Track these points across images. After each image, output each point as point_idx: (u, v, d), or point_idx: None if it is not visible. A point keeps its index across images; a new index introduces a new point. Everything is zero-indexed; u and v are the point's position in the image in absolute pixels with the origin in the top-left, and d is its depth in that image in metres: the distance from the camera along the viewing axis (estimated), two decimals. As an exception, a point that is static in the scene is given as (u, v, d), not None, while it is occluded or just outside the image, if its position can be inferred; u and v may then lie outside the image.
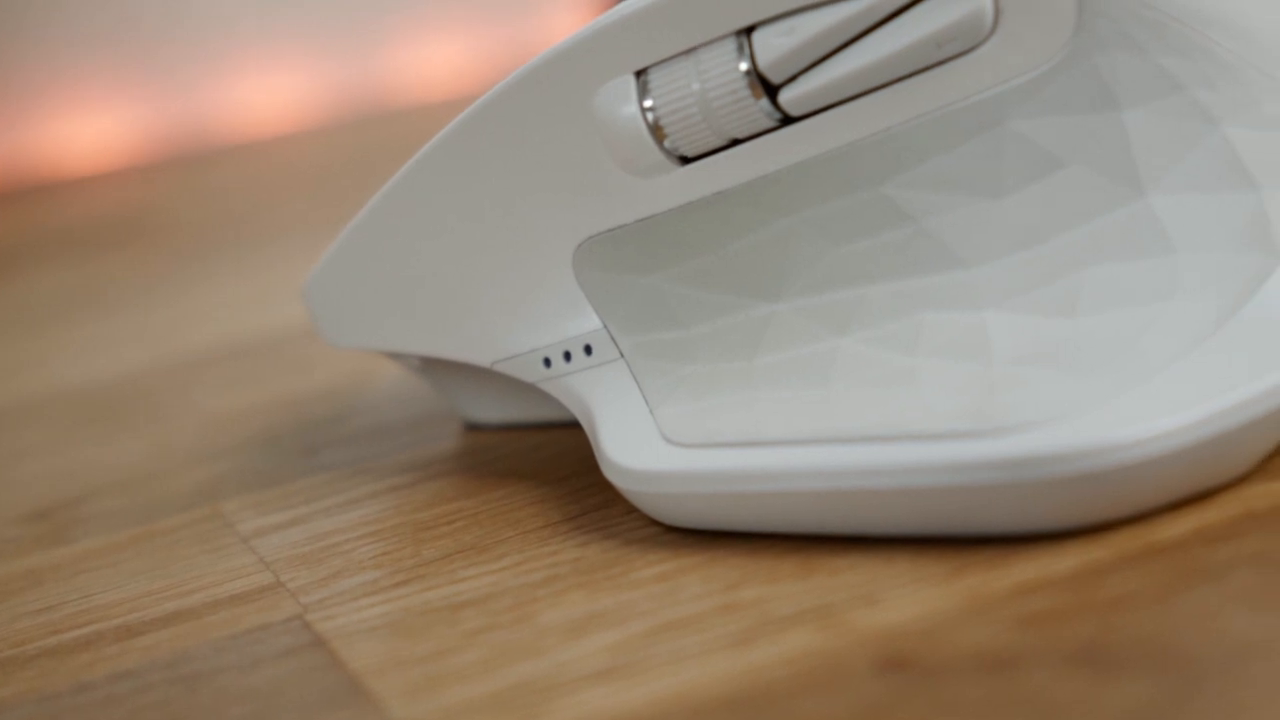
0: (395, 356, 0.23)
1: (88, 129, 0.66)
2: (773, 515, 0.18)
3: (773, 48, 0.18)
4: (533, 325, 0.20)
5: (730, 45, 0.18)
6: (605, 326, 0.20)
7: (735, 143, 0.19)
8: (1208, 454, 0.16)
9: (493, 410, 0.23)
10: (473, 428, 0.23)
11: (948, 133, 0.18)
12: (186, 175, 0.58)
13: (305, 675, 0.17)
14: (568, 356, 0.20)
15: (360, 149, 0.57)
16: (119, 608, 0.19)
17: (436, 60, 0.73)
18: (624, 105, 0.19)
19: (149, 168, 0.61)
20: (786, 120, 0.18)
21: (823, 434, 0.18)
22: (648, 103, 0.19)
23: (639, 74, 0.19)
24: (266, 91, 0.69)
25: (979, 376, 0.17)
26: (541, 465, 0.21)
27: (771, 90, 0.18)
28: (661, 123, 0.19)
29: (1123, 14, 0.17)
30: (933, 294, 0.18)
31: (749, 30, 0.18)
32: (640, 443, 0.19)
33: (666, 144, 0.19)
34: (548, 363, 0.20)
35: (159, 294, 0.38)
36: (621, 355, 0.20)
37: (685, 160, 0.19)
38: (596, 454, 0.19)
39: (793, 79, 0.18)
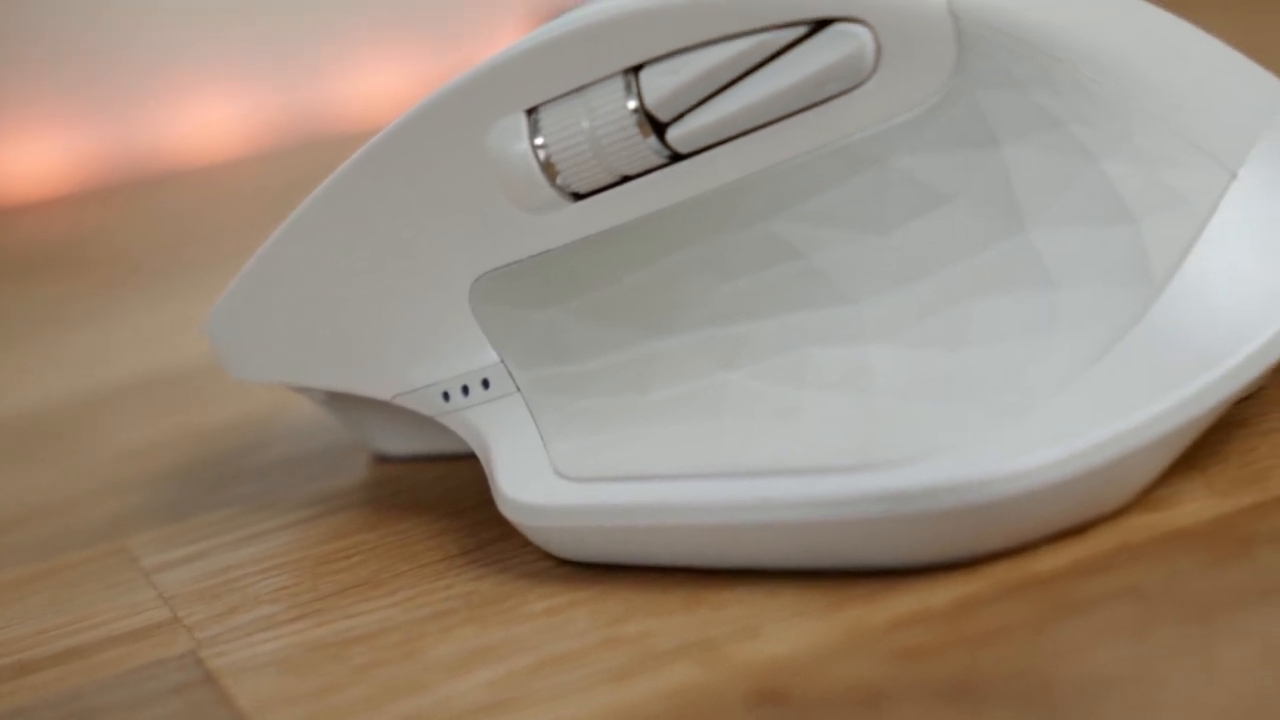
0: (299, 390, 0.23)
1: (24, 156, 0.66)
2: (663, 549, 0.18)
3: (659, 86, 0.18)
4: (431, 359, 0.20)
5: (618, 84, 0.18)
6: (502, 361, 0.20)
7: (626, 179, 0.19)
8: (1087, 486, 0.17)
9: (400, 442, 0.23)
10: (381, 459, 0.24)
11: (833, 169, 0.18)
12: (124, 202, 0.58)
13: (193, 713, 0.17)
14: (466, 390, 0.20)
15: (300, 176, 0.57)
16: (15, 644, 0.19)
17: (378, 88, 0.73)
18: (515, 143, 0.19)
19: (86, 195, 0.61)
20: (675, 157, 0.19)
21: (711, 468, 0.18)
22: (539, 140, 0.19)
23: (530, 112, 0.19)
24: (207, 118, 0.69)
25: (862, 410, 0.18)
26: (444, 497, 0.21)
27: (660, 128, 0.18)
28: (553, 160, 0.19)
29: (1000, 52, 0.18)
30: (819, 328, 0.18)
31: (637, 69, 0.18)
32: (533, 477, 0.19)
33: (558, 181, 0.19)
34: (446, 396, 0.20)
35: (81, 322, 0.38)
36: (518, 389, 0.20)
37: (577, 197, 0.19)
38: (491, 488, 0.19)
39: (680, 117, 0.18)
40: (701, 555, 0.18)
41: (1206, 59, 0.19)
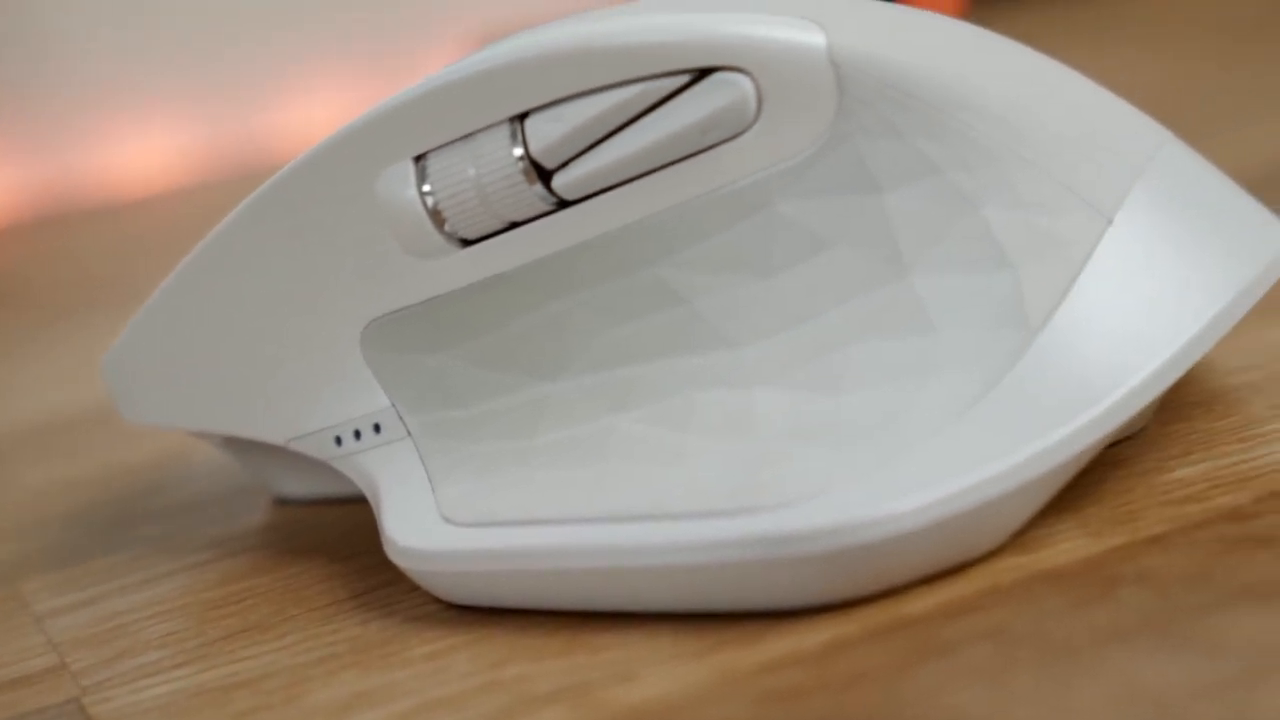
0: (195, 434, 0.23)
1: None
2: (546, 593, 0.18)
3: (544, 134, 0.18)
4: (324, 403, 0.20)
5: (504, 131, 0.19)
6: (394, 405, 0.20)
7: (514, 226, 0.19)
8: (959, 528, 0.17)
9: (300, 485, 0.23)
10: (282, 502, 0.24)
11: (718, 216, 0.18)
12: (50, 239, 0.57)
13: (71, 760, 0.17)
14: (358, 435, 0.20)
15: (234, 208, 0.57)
16: (-100, 692, 0.19)
17: (315, 121, 0.73)
18: (404, 190, 0.19)
19: (11, 230, 0.61)
20: (562, 204, 0.19)
21: (594, 513, 0.18)
22: (426, 187, 0.19)
23: (419, 159, 0.19)
24: (140, 152, 0.69)
25: (744, 454, 0.18)
26: (339, 540, 0.21)
27: (545, 175, 0.19)
28: (440, 207, 0.19)
29: (881, 101, 0.18)
30: (704, 372, 0.19)
31: (522, 117, 0.19)
32: (419, 521, 0.19)
33: (447, 228, 0.19)
34: (339, 441, 0.20)
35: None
36: (409, 434, 0.20)
37: (466, 243, 0.19)
38: (380, 532, 0.19)
39: (565, 164, 0.19)
40: (584, 599, 0.18)
41: (1086, 105, 0.19)
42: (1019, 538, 0.18)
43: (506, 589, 0.18)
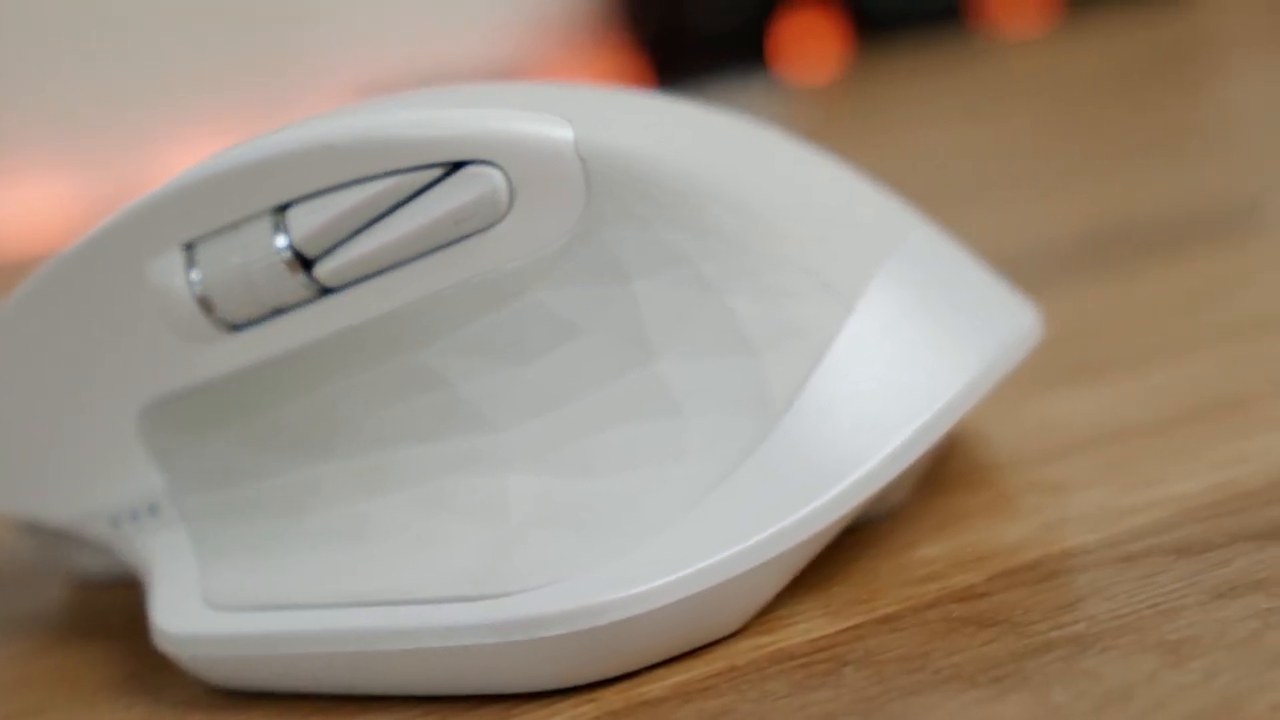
0: (-15, 515, 0.23)
1: None
2: (307, 677, 0.18)
3: (305, 224, 0.19)
4: (102, 485, 0.21)
5: (267, 221, 0.19)
6: (170, 487, 0.20)
7: (280, 312, 0.19)
8: (698, 610, 0.17)
9: (95, 564, 0.23)
10: (78, 582, 0.24)
11: (475, 303, 0.19)
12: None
13: None
14: (134, 516, 0.20)
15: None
16: None
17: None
18: (173, 277, 0.19)
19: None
20: (325, 291, 0.19)
21: (351, 597, 0.18)
22: (194, 275, 0.19)
23: (187, 247, 0.19)
24: (17, 214, 0.69)
25: (495, 539, 0.18)
26: (123, 621, 0.22)
27: (308, 264, 0.19)
28: (209, 294, 0.19)
29: (628, 193, 0.18)
30: (464, 456, 0.19)
31: (285, 207, 0.19)
32: (183, 606, 0.19)
33: (215, 314, 0.19)
34: (116, 522, 0.21)
35: None
36: (183, 517, 0.20)
37: (235, 328, 0.20)
38: (148, 616, 0.20)
39: (327, 253, 0.19)
40: (344, 683, 0.18)
41: (835, 193, 0.20)
42: (763, 618, 0.18)
43: (268, 673, 0.19)
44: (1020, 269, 0.31)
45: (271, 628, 0.18)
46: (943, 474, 0.21)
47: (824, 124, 0.63)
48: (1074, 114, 0.52)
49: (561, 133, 0.18)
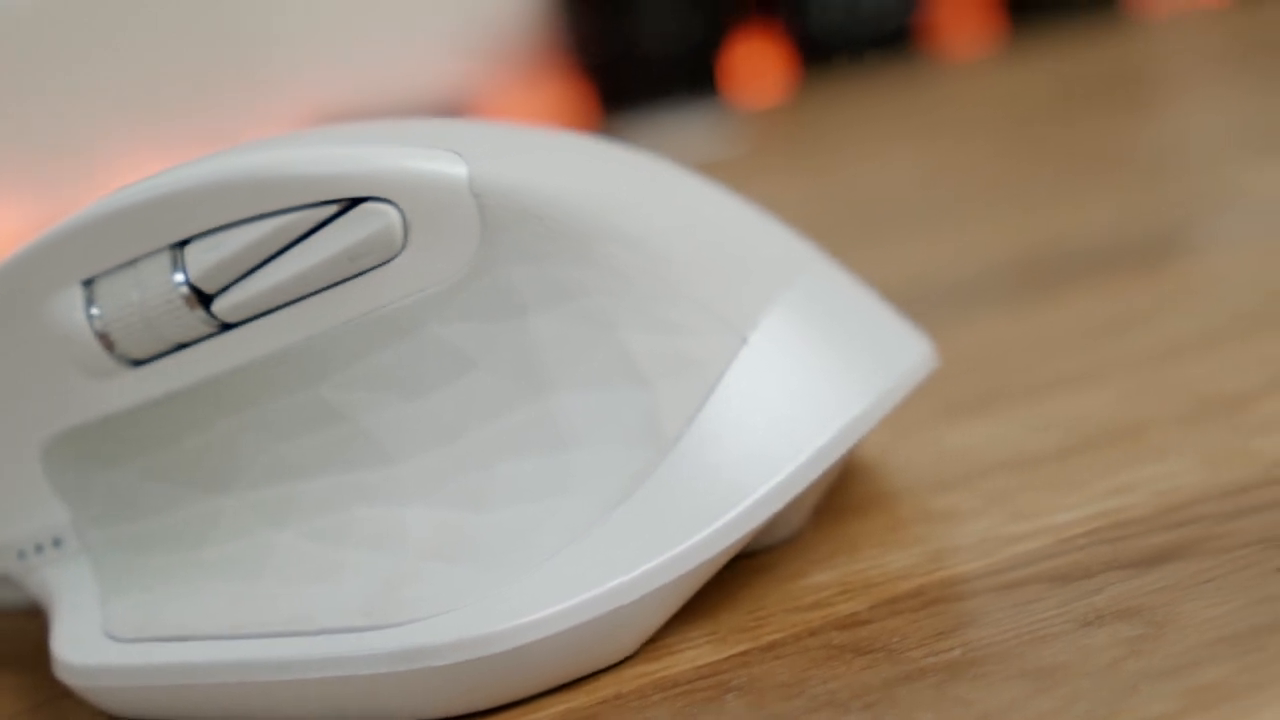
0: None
1: None
2: (206, 708, 0.19)
3: (201, 261, 0.19)
4: (6, 520, 0.21)
5: (165, 258, 0.19)
6: (74, 520, 0.20)
7: (181, 347, 0.20)
8: (585, 639, 0.18)
9: (13, 595, 0.24)
10: (-5, 611, 0.24)
11: (373, 337, 0.19)
12: None
13: None
14: (39, 549, 0.21)
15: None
16: None
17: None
18: (72, 314, 0.20)
19: None
20: (224, 327, 0.19)
21: (248, 628, 0.19)
22: (94, 311, 0.20)
23: (87, 283, 0.20)
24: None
25: (391, 570, 0.18)
26: (29, 651, 0.22)
27: (206, 300, 0.19)
28: (109, 330, 0.20)
29: (523, 229, 0.19)
30: (362, 489, 0.19)
31: (183, 244, 0.19)
32: (83, 637, 0.19)
33: (116, 350, 0.20)
34: (21, 555, 0.21)
35: None
36: (87, 549, 0.20)
37: (137, 363, 0.20)
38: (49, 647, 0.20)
39: (225, 289, 0.19)
40: (242, 714, 0.19)
41: (731, 226, 0.21)
42: (653, 645, 0.18)
43: (168, 704, 0.19)
44: (944, 296, 0.32)
45: (170, 659, 0.19)
46: (839, 502, 0.22)
47: (770, 148, 0.63)
48: (1015, 137, 0.53)
49: (456, 170, 0.19)
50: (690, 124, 0.68)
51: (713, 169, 0.63)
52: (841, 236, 0.42)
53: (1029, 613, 0.18)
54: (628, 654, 0.18)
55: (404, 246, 0.19)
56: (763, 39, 0.75)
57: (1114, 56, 0.68)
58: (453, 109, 0.70)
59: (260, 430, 0.20)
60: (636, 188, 0.20)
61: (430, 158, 0.19)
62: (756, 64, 0.75)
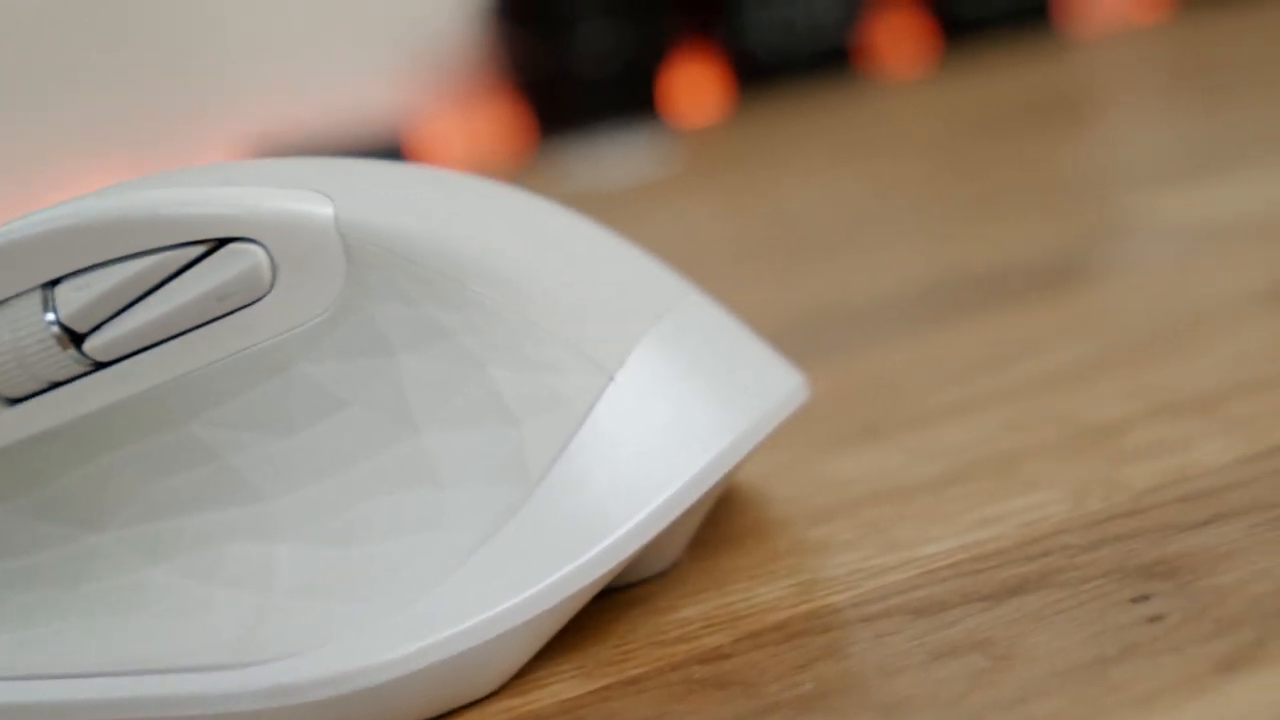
0: None
1: None
2: (74, 744, 0.19)
3: (72, 301, 0.19)
4: (-116, 557, 0.21)
5: (36, 298, 0.19)
6: (-48, 557, 0.21)
7: (55, 386, 0.20)
8: (451, 674, 0.18)
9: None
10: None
11: (243, 376, 0.19)
12: None
13: None
14: (-82, 586, 0.21)
15: None
16: None
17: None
18: (-54, 352, 0.20)
19: None
20: (98, 365, 0.20)
21: (119, 665, 0.19)
22: (-32, 350, 0.20)
23: (-38, 323, 0.20)
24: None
25: (258, 607, 0.19)
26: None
27: (78, 339, 0.19)
28: (-18, 368, 0.20)
29: (389, 268, 0.19)
30: (234, 526, 0.19)
31: (54, 283, 0.19)
32: (-48, 675, 0.19)
33: (-9, 388, 0.20)
34: (-100, 593, 0.21)
35: None
36: (-37, 586, 0.20)
37: (12, 401, 0.20)
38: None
39: (97, 328, 0.19)
40: (109, 749, 0.19)
41: (601, 264, 0.21)
42: (520, 679, 0.19)
43: (35, 741, 0.19)
44: (853, 320, 0.32)
45: (41, 697, 0.19)
46: (717, 533, 0.22)
47: (704, 168, 0.64)
48: (945, 159, 0.54)
49: (322, 210, 0.19)
50: (626, 144, 0.68)
51: (647, 189, 0.64)
52: (767, 257, 0.43)
53: (885, 646, 0.18)
54: (492, 689, 0.18)
55: (272, 286, 0.19)
56: (699, 59, 0.75)
57: (1046, 77, 0.69)
58: (391, 133, 0.70)
59: (134, 468, 0.20)
60: (507, 226, 0.20)
61: (297, 199, 0.19)
62: (693, 84, 0.75)
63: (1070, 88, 0.68)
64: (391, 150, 0.67)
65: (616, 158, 0.66)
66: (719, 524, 0.22)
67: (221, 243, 0.19)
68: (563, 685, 0.18)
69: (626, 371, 0.20)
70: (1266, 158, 0.42)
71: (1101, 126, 0.59)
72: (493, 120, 0.76)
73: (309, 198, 0.19)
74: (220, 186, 0.19)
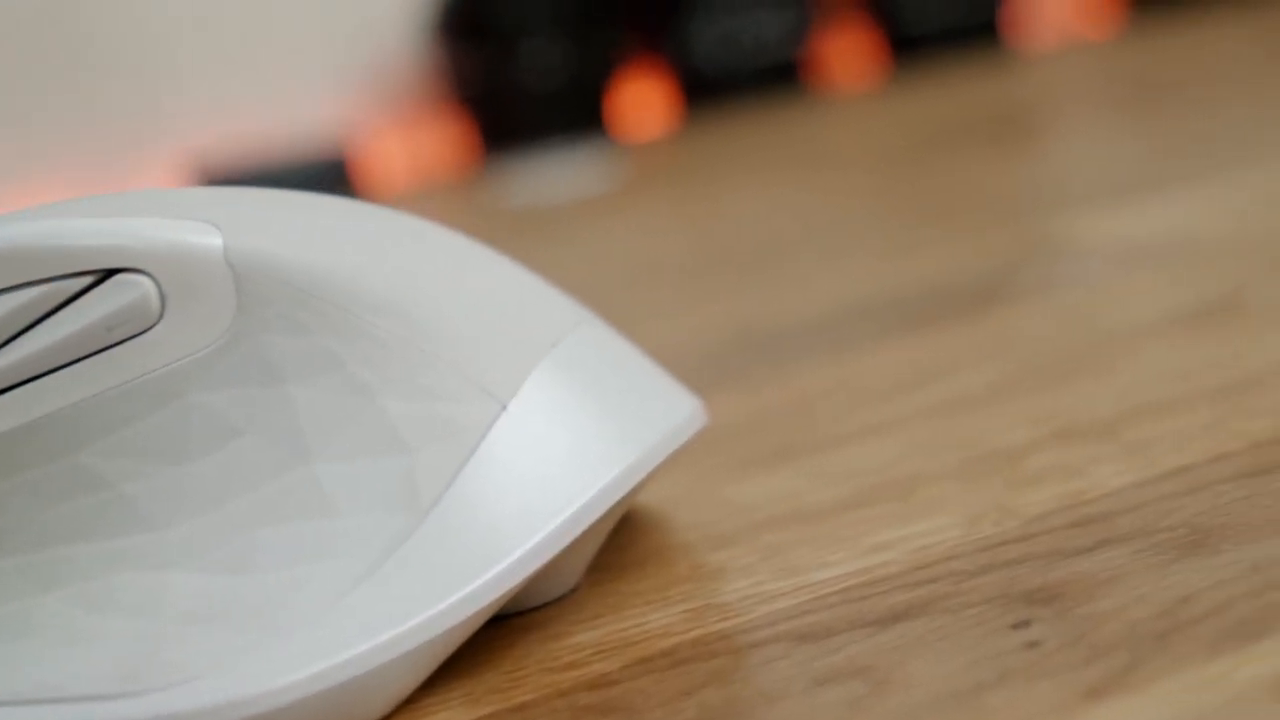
0: None
1: None
2: (-39, 775, 0.19)
3: (-41, 331, 0.19)
4: None
5: (-76, 328, 0.19)
6: None
7: (-53, 415, 0.20)
8: (336, 701, 0.18)
9: None
10: None
11: (134, 405, 0.19)
12: None
13: None
14: None
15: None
16: None
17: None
18: None
19: None
20: (-13, 395, 0.20)
21: (10, 694, 0.19)
22: None
23: None
24: None
25: (146, 635, 0.19)
26: None
27: (-34, 368, 0.19)
28: None
29: (279, 299, 0.19)
30: (125, 555, 0.19)
31: (-57, 313, 0.19)
32: None
33: (-114, 419, 0.20)
34: None
35: None
36: None
37: (-96, 431, 0.20)
38: None
39: (-14, 358, 0.19)
40: (-4, 780, 0.19)
41: (497, 292, 0.21)
42: (410, 705, 0.19)
43: (-78, 773, 0.19)
44: (776, 341, 0.33)
45: (-77, 728, 0.19)
46: (617, 559, 0.22)
47: (650, 183, 0.64)
48: (888, 176, 0.54)
49: (210, 241, 0.19)
50: (572, 159, 0.68)
51: (592, 204, 0.64)
52: (704, 274, 0.43)
53: (768, 672, 0.18)
54: (380, 716, 0.18)
55: (161, 317, 0.19)
56: (646, 74, 0.76)
57: (994, 92, 0.69)
58: (336, 150, 0.70)
59: (26, 496, 0.20)
60: (399, 256, 0.20)
61: (186, 229, 0.19)
62: (640, 99, 0.76)
63: (1017, 103, 0.68)
64: (336, 167, 0.67)
65: (562, 173, 0.66)
66: (621, 549, 0.22)
67: (110, 273, 0.19)
68: (450, 713, 0.18)
69: (519, 400, 0.20)
70: (1201, 174, 0.42)
71: (1044, 143, 0.59)
72: (438, 136, 0.76)
73: (198, 228, 0.19)
74: (112, 217, 0.19)
